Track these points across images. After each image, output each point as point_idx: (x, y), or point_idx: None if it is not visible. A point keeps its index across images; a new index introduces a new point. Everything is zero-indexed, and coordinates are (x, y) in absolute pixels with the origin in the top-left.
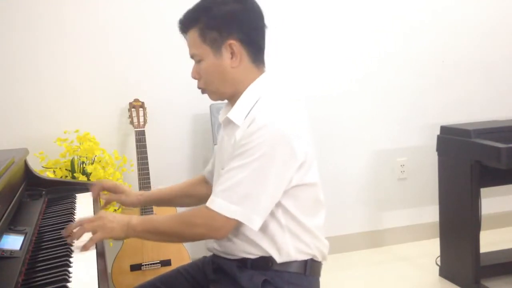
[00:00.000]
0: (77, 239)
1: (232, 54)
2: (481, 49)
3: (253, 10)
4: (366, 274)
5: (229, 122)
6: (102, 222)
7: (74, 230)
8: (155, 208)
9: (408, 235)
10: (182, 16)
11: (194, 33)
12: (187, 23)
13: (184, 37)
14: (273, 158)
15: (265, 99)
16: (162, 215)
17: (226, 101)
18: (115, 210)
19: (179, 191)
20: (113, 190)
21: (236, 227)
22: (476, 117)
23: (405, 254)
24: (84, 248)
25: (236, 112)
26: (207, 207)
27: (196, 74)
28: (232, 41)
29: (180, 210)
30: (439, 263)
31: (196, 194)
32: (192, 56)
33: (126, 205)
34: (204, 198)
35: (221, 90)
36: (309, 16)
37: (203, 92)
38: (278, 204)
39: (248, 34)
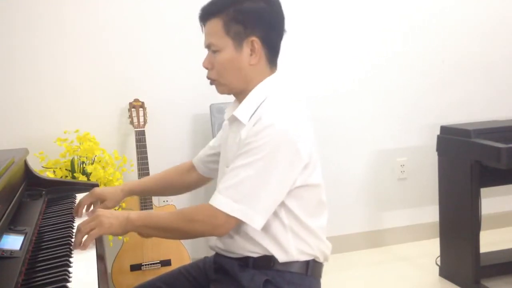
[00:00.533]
0: (80, 245)
1: (252, 51)
2: (481, 49)
3: (278, 13)
4: (366, 274)
5: (234, 119)
6: (99, 220)
7: (76, 237)
8: (154, 208)
9: (408, 235)
10: (206, 4)
11: (217, 23)
12: (211, 12)
13: (201, 26)
14: (278, 158)
15: (272, 99)
16: (163, 211)
17: (231, 98)
18: (116, 209)
19: (163, 180)
20: (95, 202)
21: (237, 225)
22: (476, 117)
23: (405, 254)
24: (83, 246)
25: (242, 110)
26: (209, 204)
27: (209, 64)
28: (254, 38)
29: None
30: (439, 263)
31: (182, 183)
32: (208, 46)
33: (113, 207)
34: (191, 187)
35: (233, 84)
36: (309, 17)
37: (211, 83)
38: (282, 204)
39: (269, 34)
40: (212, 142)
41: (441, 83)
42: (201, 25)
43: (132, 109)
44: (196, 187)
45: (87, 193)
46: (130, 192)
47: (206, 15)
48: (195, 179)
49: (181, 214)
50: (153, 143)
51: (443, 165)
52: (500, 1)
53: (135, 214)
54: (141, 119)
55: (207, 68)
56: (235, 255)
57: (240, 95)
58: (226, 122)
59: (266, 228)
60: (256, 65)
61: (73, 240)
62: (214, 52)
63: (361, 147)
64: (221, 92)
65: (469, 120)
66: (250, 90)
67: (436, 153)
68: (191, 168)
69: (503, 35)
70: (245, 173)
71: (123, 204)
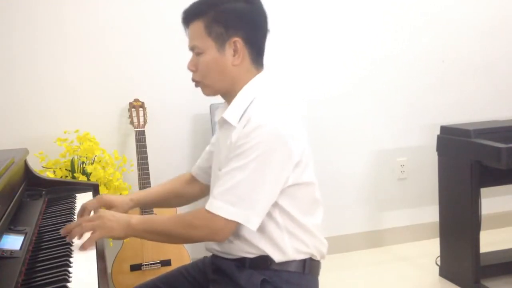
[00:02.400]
0: (78, 238)
1: (235, 51)
2: (481, 49)
3: (260, 12)
4: (366, 274)
5: (224, 122)
6: (102, 221)
7: (73, 230)
8: (155, 209)
9: (408, 235)
10: (188, 7)
11: (199, 25)
12: (193, 14)
13: (185, 29)
14: (270, 158)
15: (260, 99)
16: (163, 216)
17: (223, 101)
18: None
19: (170, 191)
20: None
21: (236, 228)
22: (476, 117)
23: (405, 254)
24: (84, 247)
25: (231, 112)
26: (206, 210)
27: (193, 67)
28: (237, 39)
29: (180, 210)
30: (439, 263)
31: (189, 194)
32: (192, 48)
33: None
34: (196, 198)
35: (217, 85)
36: (308, 17)
37: (196, 85)
38: (275, 204)
39: (252, 34)
40: (208, 148)
41: (441, 83)
42: (184, 28)
43: (132, 109)
44: (202, 196)
45: (87, 193)
46: (139, 203)
47: (188, 18)
48: (198, 189)
49: (182, 220)
50: (153, 143)
51: (443, 165)
52: (500, 1)
53: (137, 219)
54: (141, 119)
55: (191, 71)
56: (232, 256)
57: (227, 96)
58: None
59: (261, 229)
60: (240, 65)
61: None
62: (198, 54)
63: (361, 147)
64: (207, 94)
65: (469, 120)
66: (237, 91)
67: (436, 153)
68: (192, 179)
69: (503, 35)
70: (239, 176)
71: None
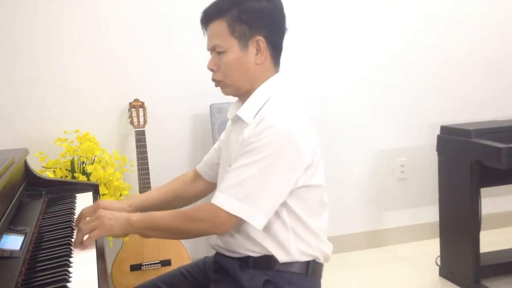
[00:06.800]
0: (81, 244)
1: (258, 50)
2: (481, 49)
3: (281, 11)
4: (366, 274)
5: (238, 119)
6: (100, 221)
7: (75, 238)
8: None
9: (408, 235)
10: (208, 6)
11: (221, 24)
12: (214, 13)
13: (203, 29)
14: (280, 158)
15: (275, 99)
16: (163, 211)
17: (232, 99)
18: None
19: (170, 192)
20: None
21: (239, 224)
22: (476, 117)
23: (405, 254)
24: (83, 246)
25: (246, 110)
26: (211, 203)
27: (214, 66)
28: (260, 37)
29: None
30: (439, 263)
31: (190, 194)
32: (213, 48)
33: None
34: (198, 196)
35: (239, 84)
36: (307, 18)
37: (217, 85)
38: (283, 204)
39: (273, 33)
40: (217, 144)
41: (441, 83)
42: (203, 28)
43: (132, 109)
44: (204, 195)
45: (87, 193)
46: (138, 208)
47: (209, 17)
48: (202, 187)
49: (182, 214)
50: (153, 143)
51: (443, 165)
52: (500, 2)
53: (136, 216)
54: (141, 119)
55: (212, 70)
56: (236, 254)
57: (245, 95)
58: (229, 121)
59: (267, 228)
60: (262, 64)
61: (73, 240)
62: (220, 53)
63: (361, 147)
64: (227, 93)
65: (469, 120)
66: (254, 90)
67: (436, 153)
68: (197, 176)
69: (503, 35)
70: (247, 172)
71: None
